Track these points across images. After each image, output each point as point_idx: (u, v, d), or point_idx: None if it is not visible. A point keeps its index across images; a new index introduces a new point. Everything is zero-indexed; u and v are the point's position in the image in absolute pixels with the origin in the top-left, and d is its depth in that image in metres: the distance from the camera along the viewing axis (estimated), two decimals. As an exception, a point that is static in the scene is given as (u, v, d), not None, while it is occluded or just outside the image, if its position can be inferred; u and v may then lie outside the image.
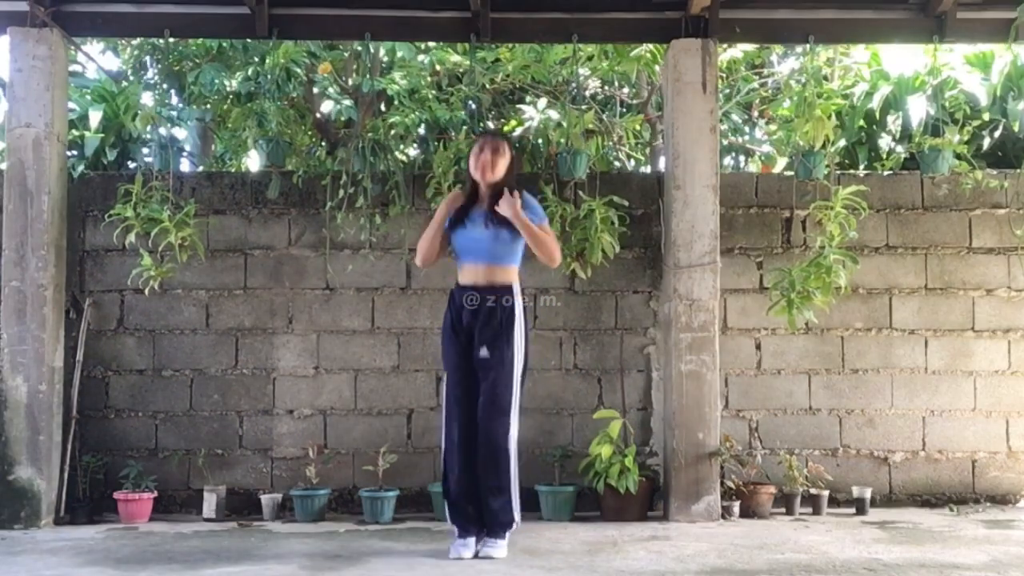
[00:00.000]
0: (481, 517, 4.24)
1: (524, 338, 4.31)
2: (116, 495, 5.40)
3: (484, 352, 4.23)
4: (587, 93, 7.03)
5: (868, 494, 5.56)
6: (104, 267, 5.84)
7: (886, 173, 6.12)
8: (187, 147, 7.26)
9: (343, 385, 5.84)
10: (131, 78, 7.15)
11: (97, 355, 5.78)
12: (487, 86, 6.63)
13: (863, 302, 5.94)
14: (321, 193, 5.76)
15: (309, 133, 7.41)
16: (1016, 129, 6.13)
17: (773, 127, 7.36)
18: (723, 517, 5.28)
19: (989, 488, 5.86)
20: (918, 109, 6.03)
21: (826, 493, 5.58)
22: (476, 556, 4.17)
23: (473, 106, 5.93)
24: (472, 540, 4.22)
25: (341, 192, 5.60)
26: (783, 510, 5.54)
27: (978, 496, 5.85)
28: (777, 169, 7.04)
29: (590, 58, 6.52)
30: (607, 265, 5.57)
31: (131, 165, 6.21)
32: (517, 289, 4.34)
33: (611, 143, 7.21)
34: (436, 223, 4.40)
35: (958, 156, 5.68)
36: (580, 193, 5.63)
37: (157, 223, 5.34)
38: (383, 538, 4.76)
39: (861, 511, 5.52)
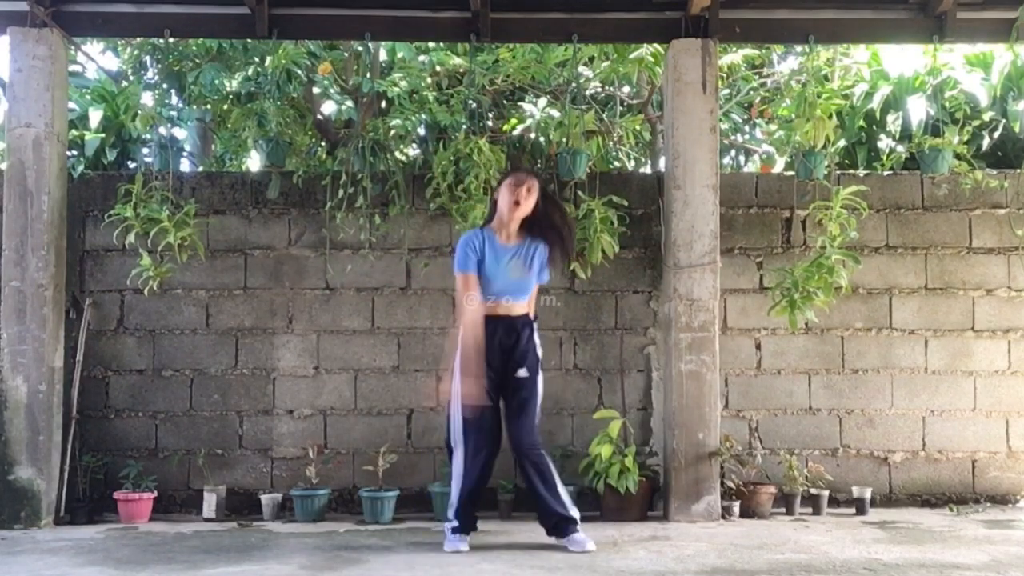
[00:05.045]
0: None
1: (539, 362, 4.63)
2: (116, 495, 5.40)
3: (523, 372, 4.51)
4: (587, 93, 7.02)
5: (868, 494, 5.56)
6: (104, 267, 5.84)
7: (886, 173, 6.11)
8: (187, 147, 7.25)
9: (343, 385, 5.84)
10: (131, 78, 7.14)
11: (97, 355, 5.78)
12: (487, 87, 6.63)
13: (863, 302, 5.94)
14: (321, 193, 5.76)
15: (309, 133, 7.41)
16: (1016, 129, 6.14)
17: (773, 127, 7.35)
18: (723, 517, 5.28)
19: (989, 488, 5.86)
20: (918, 109, 6.03)
21: (826, 493, 5.58)
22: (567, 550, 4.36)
23: (473, 105, 5.92)
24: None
25: (341, 192, 5.60)
26: (783, 510, 5.54)
27: (978, 496, 5.85)
28: (777, 169, 7.04)
29: (591, 59, 6.51)
30: (607, 265, 5.57)
31: (131, 165, 6.21)
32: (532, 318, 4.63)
33: (611, 143, 7.21)
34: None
35: (958, 156, 5.68)
36: (580, 193, 5.63)
37: (157, 223, 5.35)
38: (383, 538, 4.76)
39: (861, 511, 5.52)
